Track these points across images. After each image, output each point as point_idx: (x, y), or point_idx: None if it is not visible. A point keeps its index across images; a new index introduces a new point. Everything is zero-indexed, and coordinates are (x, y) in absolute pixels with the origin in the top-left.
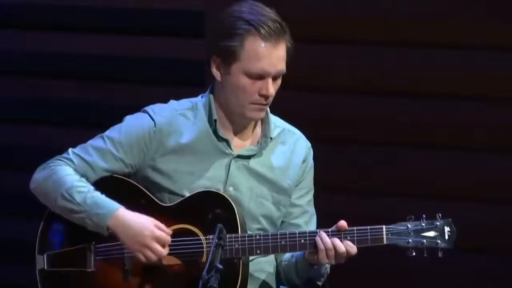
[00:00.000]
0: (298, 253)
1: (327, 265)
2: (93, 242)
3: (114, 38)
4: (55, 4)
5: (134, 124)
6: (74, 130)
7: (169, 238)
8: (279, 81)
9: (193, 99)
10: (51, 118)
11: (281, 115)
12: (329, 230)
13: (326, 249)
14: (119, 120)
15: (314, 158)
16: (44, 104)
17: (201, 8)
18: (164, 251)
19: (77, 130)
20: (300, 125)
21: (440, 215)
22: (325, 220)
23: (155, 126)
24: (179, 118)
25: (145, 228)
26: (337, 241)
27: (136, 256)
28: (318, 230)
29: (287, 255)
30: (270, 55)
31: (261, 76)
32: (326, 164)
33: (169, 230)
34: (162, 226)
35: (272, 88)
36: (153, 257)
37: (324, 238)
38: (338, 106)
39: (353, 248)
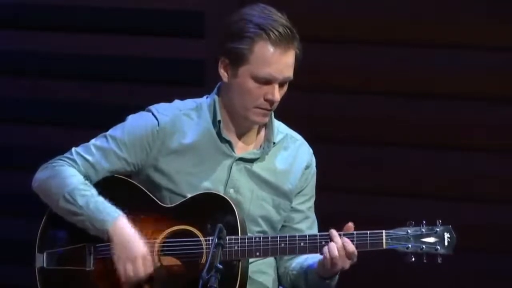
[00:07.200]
0: (308, 264)
1: (336, 276)
2: (93, 242)
3: (114, 38)
4: (55, 4)
5: (137, 123)
6: (74, 130)
7: (152, 263)
8: (285, 87)
9: (198, 100)
10: (51, 118)
11: (282, 115)
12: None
13: (338, 248)
14: (119, 120)
15: None
16: (44, 104)
17: (201, 8)
18: (144, 272)
19: (77, 130)
20: (300, 125)
21: (440, 221)
22: (325, 220)
23: (158, 125)
24: (183, 118)
25: (138, 244)
26: (347, 240)
27: (117, 265)
28: (318, 234)
29: (295, 265)
30: (279, 61)
31: (268, 81)
32: (326, 164)
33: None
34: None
35: (278, 94)
36: (133, 272)
37: (336, 236)
38: (339, 106)
39: (350, 246)
